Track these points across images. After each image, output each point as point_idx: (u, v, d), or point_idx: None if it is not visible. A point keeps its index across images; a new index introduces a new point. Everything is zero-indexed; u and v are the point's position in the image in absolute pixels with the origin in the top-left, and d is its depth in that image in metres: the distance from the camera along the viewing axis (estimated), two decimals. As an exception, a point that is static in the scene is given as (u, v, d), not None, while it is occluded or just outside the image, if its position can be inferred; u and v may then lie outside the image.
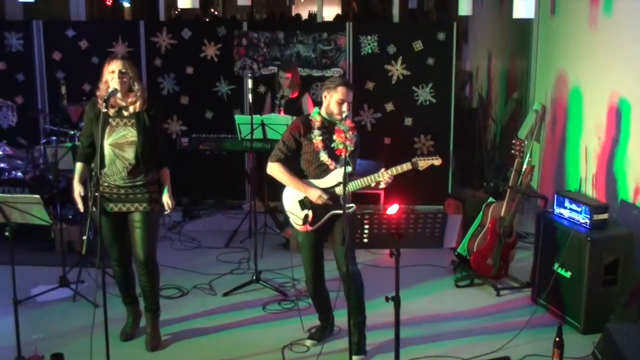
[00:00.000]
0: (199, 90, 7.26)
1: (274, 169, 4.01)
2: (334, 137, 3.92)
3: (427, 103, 7.12)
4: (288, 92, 6.27)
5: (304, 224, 3.97)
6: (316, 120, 3.96)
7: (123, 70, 3.91)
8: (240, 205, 7.26)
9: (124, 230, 4.07)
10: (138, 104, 3.96)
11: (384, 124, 7.18)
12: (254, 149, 5.77)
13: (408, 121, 7.18)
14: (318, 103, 4.14)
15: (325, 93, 3.93)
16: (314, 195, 3.91)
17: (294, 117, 5.78)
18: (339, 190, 3.91)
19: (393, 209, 4.33)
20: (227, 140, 6.13)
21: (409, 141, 7.17)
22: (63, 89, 5.81)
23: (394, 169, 3.87)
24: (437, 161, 3.90)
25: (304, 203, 3.99)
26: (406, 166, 3.87)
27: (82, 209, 4.06)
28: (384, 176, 3.86)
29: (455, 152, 7.35)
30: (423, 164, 3.88)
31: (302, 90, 6.32)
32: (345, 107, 3.89)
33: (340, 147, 3.88)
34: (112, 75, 3.91)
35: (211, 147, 6.15)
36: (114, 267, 4.22)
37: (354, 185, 3.91)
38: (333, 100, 3.90)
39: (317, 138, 3.94)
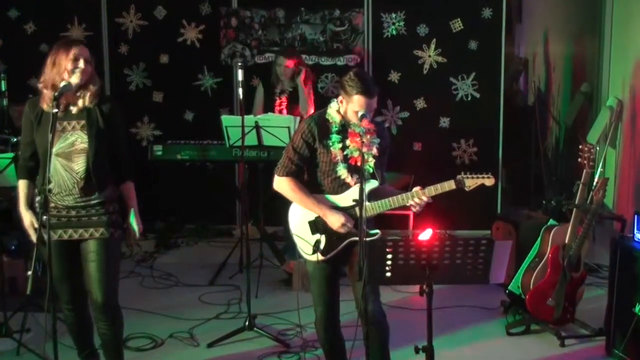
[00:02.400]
0: (176, 84, 7.33)
1: (284, 185, 4.01)
2: (347, 141, 3.93)
3: (469, 99, 7.14)
4: (289, 86, 6.32)
5: (314, 252, 3.98)
6: (334, 121, 3.97)
7: (89, 59, 3.92)
8: (230, 231, 7.29)
9: (76, 263, 4.03)
10: (87, 96, 3.91)
11: (413, 125, 7.21)
12: (247, 159, 5.79)
13: (444, 122, 7.20)
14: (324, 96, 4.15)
15: (340, 97, 3.96)
16: (336, 223, 3.91)
17: (297, 117, 5.88)
18: (358, 211, 3.91)
19: (425, 235, 4.31)
20: (212, 148, 6.16)
21: (446, 148, 7.20)
22: (3, 85, 5.86)
23: (432, 189, 3.85)
24: (488, 181, 3.87)
25: (316, 225, 3.99)
26: (448, 185, 3.85)
27: (35, 240, 4.02)
28: (419, 197, 3.86)
29: (506, 162, 7.36)
30: (471, 183, 3.86)
31: (314, 86, 6.36)
32: (365, 118, 3.90)
33: (355, 154, 3.88)
34: (73, 64, 3.86)
35: (192, 157, 6.18)
36: (65, 311, 4.17)
37: (377, 207, 3.91)
38: (350, 109, 3.92)
39: (335, 145, 3.94)
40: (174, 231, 7.22)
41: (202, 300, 5.78)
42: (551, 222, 5.30)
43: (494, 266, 3.37)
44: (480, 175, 3.87)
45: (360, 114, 3.85)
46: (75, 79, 3.86)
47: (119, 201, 4.09)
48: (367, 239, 3.70)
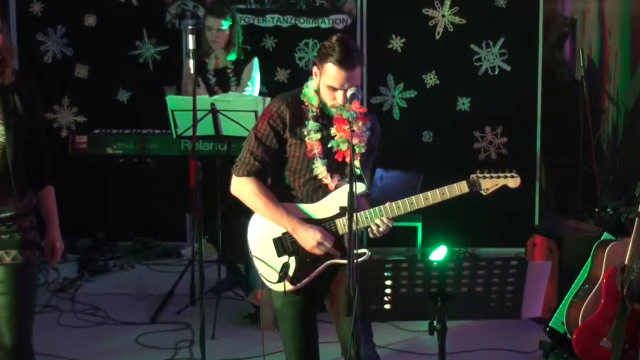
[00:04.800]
0: (106, 54, 7.34)
1: (243, 188, 4.01)
2: (332, 130, 3.92)
3: (496, 72, 7.18)
4: (226, 62, 6.31)
5: (280, 280, 3.96)
6: (312, 103, 3.97)
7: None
8: (178, 251, 7.31)
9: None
10: (7, 73, 3.88)
11: (421, 108, 7.24)
12: (200, 154, 5.79)
13: (463, 103, 7.23)
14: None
15: (315, 69, 3.95)
16: (309, 241, 3.89)
17: (267, 98, 5.86)
18: (341, 224, 3.92)
19: (437, 254, 4.32)
20: (154, 140, 6.19)
21: (465, 137, 7.24)
22: None
23: (438, 193, 3.87)
24: (512, 181, 3.90)
25: (283, 244, 3.99)
26: (459, 188, 3.87)
27: None
28: (418, 203, 3.87)
29: (546, 157, 7.38)
30: (489, 185, 3.89)
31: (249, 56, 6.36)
32: (340, 96, 3.89)
33: (342, 147, 3.88)
34: None
35: (127, 152, 6.19)
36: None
37: (369, 217, 3.91)
38: (322, 84, 3.91)
39: (312, 135, 3.94)
40: (102, 251, 7.22)
41: (141, 343, 5.77)
42: (606, 236, 5.31)
43: (528, 295, 3.36)
44: (502, 174, 3.88)
45: (349, 93, 3.84)
46: None
47: (36, 212, 4.07)
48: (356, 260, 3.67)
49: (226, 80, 6.30)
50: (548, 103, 7.23)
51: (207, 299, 5.55)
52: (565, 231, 5.99)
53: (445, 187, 3.86)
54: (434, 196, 3.85)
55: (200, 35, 6.28)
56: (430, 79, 7.21)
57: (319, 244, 3.88)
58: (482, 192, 3.89)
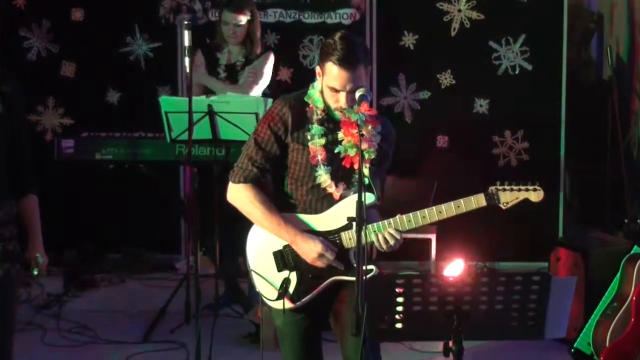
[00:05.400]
0: (94, 51, 7.32)
1: (240, 195, 4.00)
2: (339, 134, 3.91)
3: (517, 72, 7.16)
4: (240, 54, 6.31)
5: (280, 297, 3.96)
6: (317, 105, 3.96)
7: None
8: (172, 264, 7.30)
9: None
10: None
11: (436, 110, 7.23)
12: (196, 160, 5.80)
13: (481, 105, 7.22)
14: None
15: (318, 69, 3.94)
16: (310, 253, 3.89)
17: (269, 99, 5.85)
18: (347, 237, 3.92)
19: (453, 268, 4.29)
20: (146, 144, 6.18)
21: (484, 142, 7.22)
22: None
23: (453, 206, 3.86)
24: (534, 195, 3.87)
25: (284, 258, 3.98)
26: (476, 202, 3.86)
27: None
28: (431, 216, 3.85)
29: (571, 163, 7.37)
30: (509, 198, 3.87)
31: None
32: (342, 98, 3.87)
33: (350, 152, 3.87)
34: None
35: (117, 157, 6.17)
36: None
37: (377, 230, 3.89)
38: (324, 85, 3.90)
39: (316, 140, 3.94)
40: (90, 264, 7.21)
41: (132, 364, 5.78)
42: (636, 249, 5.30)
43: (551, 314, 3.34)
44: (524, 186, 3.87)
45: (358, 93, 3.83)
46: None
47: (17, 222, 4.05)
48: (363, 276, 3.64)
49: (235, 74, 6.30)
50: (573, 105, 7.21)
51: (203, 316, 5.53)
52: (591, 244, 5.96)
53: (461, 200, 3.84)
54: (449, 209, 3.84)
55: (216, 29, 6.34)
56: (446, 79, 7.19)
57: (320, 255, 3.86)
58: (501, 205, 3.88)
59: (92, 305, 6.71)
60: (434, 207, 3.85)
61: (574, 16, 7.85)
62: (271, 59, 6.34)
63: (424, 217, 3.85)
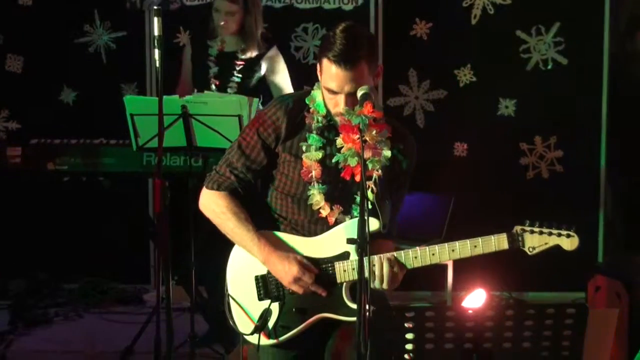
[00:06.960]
0: (46, 42, 7.41)
1: (211, 203, 4.06)
2: (338, 140, 3.95)
3: (550, 67, 7.24)
4: (236, 46, 6.40)
5: (256, 331, 4.00)
6: (318, 110, 4.00)
7: None
8: (139, 296, 7.36)
9: None
10: None
11: (453, 113, 7.31)
12: (168, 171, 5.89)
13: (507, 106, 7.29)
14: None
15: (318, 63, 3.97)
16: (284, 277, 3.92)
17: (255, 99, 5.90)
18: (341, 269, 3.94)
19: (474, 299, 4.34)
20: (108, 152, 6.21)
21: (510, 150, 7.30)
22: None
23: (469, 245, 3.90)
24: (567, 242, 3.90)
25: (267, 284, 4.03)
26: (497, 242, 3.91)
27: None
28: (441, 255, 3.91)
29: (613, 177, 7.40)
30: (536, 242, 3.91)
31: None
32: (341, 101, 3.93)
33: (351, 162, 3.89)
34: None
35: (74, 167, 6.22)
36: None
37: (376, 265, 3.89)
38: (322, 85, 3.95)
39: (312, 153, 3.98)
40: (42, 295, 7.24)
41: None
42: (690, 278, 5.35)
43: (589, 352, 3.39)
44: (556, 230, 3.90)
45: (360, 92, 3.86)
46: None
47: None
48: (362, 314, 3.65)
49: (229, 67, 6.37)
50: (615, 107, 7.24)
51: (177, 357, 5.57)
52: (636, 271, 6.01)
53: (479, 239, 3.89)
54: (463, 249, 3.89)
55: (211, 21, 6.41)
56: (465, 75, 7.26)
57: (296, 279, 3.88)
58: (526, 251, 3.92)
59: (44, 344, 6.73)
60: (446, 245, 3.90)
61: (617, 2, 7.90)
62: (280, 62, 6.44)
63: (433, 254, 3.90)
